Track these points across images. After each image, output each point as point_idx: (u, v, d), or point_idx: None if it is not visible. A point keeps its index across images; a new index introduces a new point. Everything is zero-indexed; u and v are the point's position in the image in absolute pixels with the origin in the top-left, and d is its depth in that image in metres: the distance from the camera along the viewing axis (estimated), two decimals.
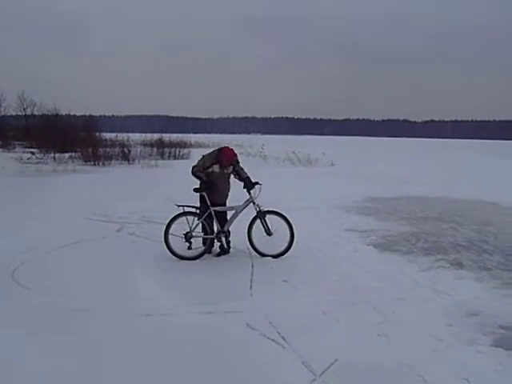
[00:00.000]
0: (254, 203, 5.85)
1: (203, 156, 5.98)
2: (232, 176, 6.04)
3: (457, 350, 3.45)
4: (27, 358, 3.25)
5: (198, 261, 5.64)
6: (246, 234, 5.86)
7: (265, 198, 6.02)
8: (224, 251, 5.93)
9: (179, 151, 24.78)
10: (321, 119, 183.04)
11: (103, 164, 19.96)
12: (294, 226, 5.79)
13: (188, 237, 5.72)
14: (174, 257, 5.66)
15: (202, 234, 5.85)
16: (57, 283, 4.77)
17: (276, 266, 5.47)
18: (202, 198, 5.85)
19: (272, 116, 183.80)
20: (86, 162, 20.31)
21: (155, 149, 24.49)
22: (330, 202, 10.16)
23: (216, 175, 5.86)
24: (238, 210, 5.89)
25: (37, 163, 19.50)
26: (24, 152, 23.73)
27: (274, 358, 3.30)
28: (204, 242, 5.85)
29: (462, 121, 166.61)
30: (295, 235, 5.79)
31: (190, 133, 49.63)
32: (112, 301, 4.33)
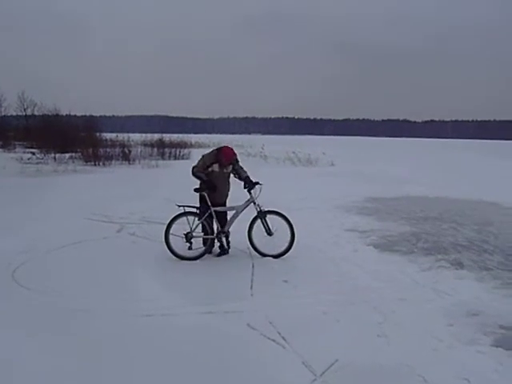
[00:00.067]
0: (254, 203, 5.85)
1: (203, 156, 5.98)
2: (232, 175, 6.04)
3: (457, 350, 3.45)
4: (27, 358, 3.25)
5: (198, 261, 5.64)
6: (247, 234, 5.86)
7: (265, 197, 6.02)
8: (224, 251, 5.93)
9: (179, 151, 24.78)
10: (321, 119, 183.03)
11: (103, 164, 19.96)
12: (294, 226, 5.79)
13: (188, 237, 5.72)
14: (174, 257, 5.66)
15: (203, 234, 5.85)
16: (57, 283, 4.77)
17: (276, 266, 5.47)
18: (202, 198, 5.85)
19: (272, 116, 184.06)
20: (86, 162, 20.31)
21: (156, 149, 24.49)
22: (330, 202, 10.16)
23: (215, 174, 5.86)
24: (239, 210, 5.89)
25: (37, 163, 19.50)
26: (24, 152, 23.75)
27: (274, 358, 3.30)
28: (204, 242, 5.85)
29: (462, 121, 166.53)
30: (295, 235, 5.79)
31: (190, 133, 49.61)
32: (112, 301, 4.33)
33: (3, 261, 5.43)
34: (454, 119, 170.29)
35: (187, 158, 23.28)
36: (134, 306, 4.19)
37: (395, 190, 12.42)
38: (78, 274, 5.11)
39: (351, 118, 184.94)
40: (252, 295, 4.56)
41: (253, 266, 5.46)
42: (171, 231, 5.65)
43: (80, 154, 21.30)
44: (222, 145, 6.32)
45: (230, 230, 5.92)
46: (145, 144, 25.33)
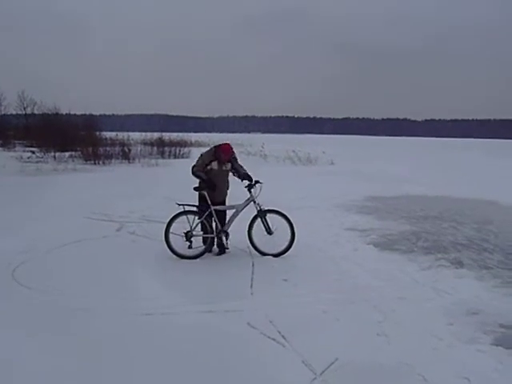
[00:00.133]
0: (254, 202, 5.85)
1: (201, 155, 5.98)
2: (231, 174, 6.04)
3: (457, 348, 3.45)
4: (27, 358, 3.25)
5: (198, 260, 5.64)
6: (247, 233, 5.86)
7: (265, 196, 6.02)
8: (222, 250, 5.92)
9: (179, 150, 24.77)
10: (321, 118, 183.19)
11: (103, 163, 19.96)
12: (294, 225, 5.79)
13: (188, 236, 5.72)
14: (174, 256, 5.66)
15: (202, 233, 5.84)
16: (57, 282, 4.77)
17: (276, 264, 5.48)
18: (201, 197, 5.85)
19: (272, 115, 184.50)
20: (86, 160, 20.32)
21: (155, 148, 24.49)
22: (330, 201, 10.16)
23: (214, 172, 5.85)
24: (239, 209, 5.89)
25: (37, 162, 19.50)
26: (24, 151, 23.76)
27: (274, 357, 3.30)
28: (204, 241, 5.85)
29: (462, 120, 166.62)
30: (295, 234, 5.79)
31: (190, 132, 49.60)
32: (112, 300, 4.33)
33: (3, 260, 5.43)
34: (453, 118, 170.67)
35: (187, 157, 23.28)
36: (134, 305, 4.19)
37: (395, 188, 12.41)
38: (78, 273, 5.11)
39: (351, 116, 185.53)
40: (252, 294, 4.56)
41: (253, 265, 5.46)
42: (171, 230, 5.64)
43: (80, 152, 21.31)
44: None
45: (229, 229, 5.92)
46: (145, 143, 25.33)
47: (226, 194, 6.09)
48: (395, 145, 52.54)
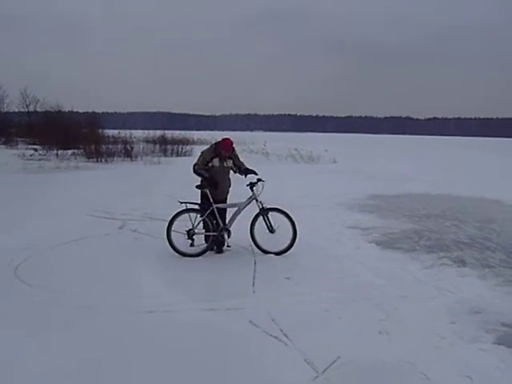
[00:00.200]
0: (256, 200, 5.84)
1: (202, 152, 5.96)
2: (232, 172, 6.03)
3: (459, 347, 3.45)
4: (27, 358, 3.24)
5: (200, 258, 5.64)
6: (249, 231, 5.86)
7: (267, 195, 6.01)
8: (220, 248, 5.89)
9: (182, 148, 24.81)
10: (323, 116, 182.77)
11: (106, 161, 19.98)
12: (296, 224, 5.79)
13: (190, 234, 5.72)
14: (176, 254, 5.66)
15: (204, 231, 5.85)
16: (59, 280, 4.78)
17: (279, 263, 5.47)
18: (203, 195, 5.84)
19: (274, 113, 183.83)
20: (88, 158, 20.35)
21: (158, 146, 24.54)
22: (332, 200, 10.15)
23: (216, 170, 5.84)
24: (241, 207, 5.89)
25: (39, 160, 19.55)
26: (27, 149, 23.82)
27: (276, 356, 3.30)
28: (206, 239, 5.85)
29: (464, 118, 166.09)
30: (298, 232, 5.79)
31: (192, 130, 49.72)
32: (114, 297, 4.33)
33: (6, 257, 5.44)
34: (456, 117, 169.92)
35: (189, 155, 23.30)
36: (136, 303, 4.19)
37: (397, 187, 12.39)
38: (80, 271, 5.12)
39: (353, 115, 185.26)
40: (254, 292, 4.56)
41: (255, 263, 5.46)
42: (173, 228, 5.64)
43: (82, 150, 21.37)
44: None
45: (231, 227, 5.91)
46: (147, 141, 25.39)
47: (228, 192, 6.08)
48: (398, 143, 52.44)
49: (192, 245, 5.73)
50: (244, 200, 5.91)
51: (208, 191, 5.73)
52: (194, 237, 5.75)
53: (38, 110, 34.80)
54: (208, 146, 6.08)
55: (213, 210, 5.76)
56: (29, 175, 14.51)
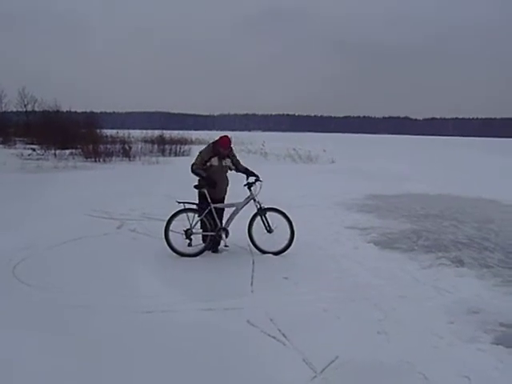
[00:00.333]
0: (254, 200, 5.84)
1: (200, 152, 5.95)
2: (229, 171, 6.02)
3: (458, 347, 3.45)
4: (27, 358, 3.23)
5: (198, 257, 5.64)
6: (247, 231, 5.85)
7: (265, 195, 6.01)
8: (216, 248, 5.88)
9: (180, 148, 24.79)
10: (321, 116, 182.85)
11: (104, 161, 19.95)
12: (294, 224, 5.78)
13: (188, 233, 5.71)
14: (174, 253, 5.65)
15: (202, 230, 5.84)
16: (57, 279, 4.77)
17: (277, 262, 5.47)
18: (201, 195, 5.83)
19: (273, 113, 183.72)
20: (86, 158, 20.31)
21: (156, 145, 24.50)
22: (330, 199, 10.15)
23: (214, 169, 5.83)
24: (239, 207, 5.88)
25: (37, 159, 19.52)
26: (25, 148, 23.78)
27: (274, 356, 3.30)
28: (204, 239, 5.84)
29: (463, 118, 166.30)
30: (295, 232, 5.79)
31: (190, 129, 49.62)
32: (112, 297, 4.33)
33: (4, 257, 5.43)
34: (455, 117, 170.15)
35: (187, 155, 23.26)
36: (134, 303, 4.19)
37: (396, 187, 12.40)
38: (78, 271, 5.11)
39: (352, 115, 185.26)
40: (252, 292, 4.56)
41: (253, 263, 5.45)
42: (171, 228, 5.63)
43: (80, 150, 21.32)
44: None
45: (229, 227, 5.91)
46: (145, 140, 25.35)
47: (226, 192, 6.08)
48: (396, 143, 52.47)
49: (190, 245, 5.72)
50: (242, 200, 5.90)
51: (206, 191, 5.72)
52: (192, 237, 5.74)
53: (36, 109, 34.76)
54: (206, 146, 6.07)
55: (211, 210, 5.75)
56: (27, 175, 14.48)
